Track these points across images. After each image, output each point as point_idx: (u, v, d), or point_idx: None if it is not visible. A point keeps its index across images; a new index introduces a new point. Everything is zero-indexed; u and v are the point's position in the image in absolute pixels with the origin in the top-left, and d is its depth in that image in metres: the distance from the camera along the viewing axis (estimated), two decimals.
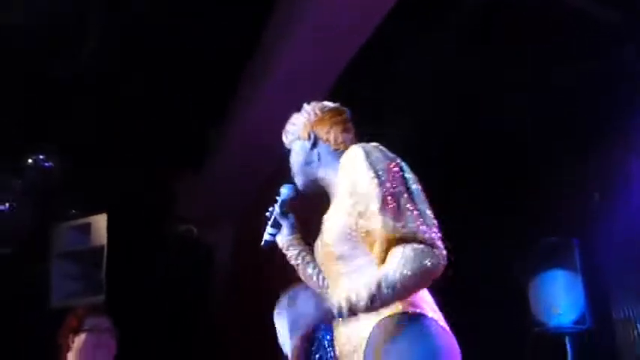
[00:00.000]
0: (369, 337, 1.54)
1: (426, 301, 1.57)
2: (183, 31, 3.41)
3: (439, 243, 1.48)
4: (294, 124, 1.84)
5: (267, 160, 3.54)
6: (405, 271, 1.42)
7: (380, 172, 1.53)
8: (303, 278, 1.91)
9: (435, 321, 1.54)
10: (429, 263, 1.43)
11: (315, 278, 1.87)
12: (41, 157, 4.00)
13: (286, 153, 1.86)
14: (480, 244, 3.41)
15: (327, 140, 1.77)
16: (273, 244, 1.91)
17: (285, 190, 1.90)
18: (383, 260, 1.49)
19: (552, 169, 3.51)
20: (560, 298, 3.31)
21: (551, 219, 3.45)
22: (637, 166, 3.49)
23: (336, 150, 1.76)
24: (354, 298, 1.45)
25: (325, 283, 1.81)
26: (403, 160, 1.62)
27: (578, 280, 3.29)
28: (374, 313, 1.48)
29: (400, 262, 1.44)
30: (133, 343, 3.06)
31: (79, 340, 2.57)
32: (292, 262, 1.92)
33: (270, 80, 3.57)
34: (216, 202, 4.28)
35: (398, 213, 1.49)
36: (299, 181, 1.83)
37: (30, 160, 4.03)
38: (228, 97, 3.93)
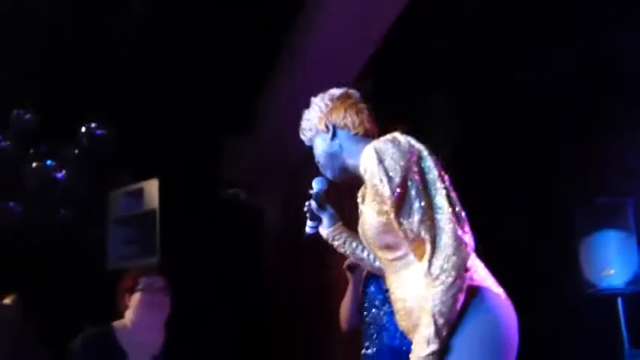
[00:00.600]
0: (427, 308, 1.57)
1: (478, 272, 1.59)
2: None
3: (456, 232, 1.53)
4: (308, 120, 1.83)
5: None
6: (444, 297, 1.50)
7: (391, 174, 1.55)
8: (353, 259, 1.97)
9: (491, 290, 1.58)
10: (454, 272, 1.51)
11: (367, 259, 1.92)
12: (94, 125, 4.12)
13: (309, 150, 1.85)
14: (532, 204, 3.36)
15: (345, 126, 1.77)
16: (315, 236, 1.94)
17: (316, 185, 1.90)
18: (417, 251, 1.60)
19: (609, 128, 3.40)
20: (612, 259, 3.23)
21: (606, 178, 3.35)
22: None
23: (356, 134, 1.77)
24: (424, 351, 1.52)
25: (377, 264, 1.88)
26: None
27: (631, 241, 3.21)
28: (430, 284, 1.52)
29: (436, 285, 1.51)
30: (185, 303, 3.17)
31: (135, 298, 2.66)
32: (340, 250, 1.94)
33: (317, 40, 3.55)
34: (265, 165, 4.32)
35: (411, 210, 1.55)
36: (328, 173, 1.82)
37: (83, 129, 4.15)
38: (276, 59, 3.93)
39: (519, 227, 3.25)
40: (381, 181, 1.56)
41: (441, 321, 1.49)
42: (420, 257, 1.57)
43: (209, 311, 3.96)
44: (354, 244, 1.90)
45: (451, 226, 1.53)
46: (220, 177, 4.44)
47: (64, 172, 4.18)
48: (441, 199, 1.55)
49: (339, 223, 1.92)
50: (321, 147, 1.80)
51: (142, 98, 4.10)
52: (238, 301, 4.19)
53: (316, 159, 1.82)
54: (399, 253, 1.64)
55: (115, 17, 3.56)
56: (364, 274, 2.77)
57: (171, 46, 3.80)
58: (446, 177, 1.61)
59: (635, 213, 3.26)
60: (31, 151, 4.15)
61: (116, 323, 2.69)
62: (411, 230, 1.56)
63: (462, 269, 1.51)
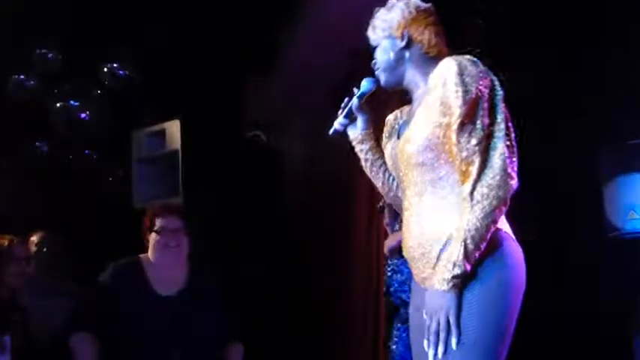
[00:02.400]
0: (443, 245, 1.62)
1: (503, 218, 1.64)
2: None
3: (506, 166, 1.55)
4: (385, 21, 1.78)
5: (339, 63, 3.49)
6: (479, 223, 1.54)
7: (469, 88, 1.56)
8: (369, 175, 1.91)
9: (508, 234, 1.64)
10: (495, 202, 1.54)
11: (383, 178, 1.88)
12: (116, 65, 4.11)
13: (370, 49, 1.82)
14: (558, 142, 3.30)
15: (421, 42, 1.74)
16: (341, 134, 1.88)
17: (366, 84, 1.83)
18: (462, 173, 1.59)
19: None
20: (637, 203, 3.20)
21: (635, 119, 3.27)
22: None
23: (427, 53, 1.75)
24: (449, 273, 1.55)
25: (394, 185, 1.86)
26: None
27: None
28: (468, 208, 1.56)
29: (475, 210, 1.54)
30: (208, 243, 3.22)
31: (152, 239, 2.73)
32: (362, 156, 1.89)
33: None
34: (287, 105, 4.29)
35: (473, 131, 1.56)
36: (384, 77, 1.79)
37: (105, 69, 4.15)
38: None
39: (544, 166, 3.20)
40: (457, 91, 1.57)
41: (471, 247, 1.52)
42: (463, 181, 1.58)
43: (229, 252, 4.03)
44: (377, 157, 1.87)
45: (503, 157, 1.55)
46: (242, 118, 4.43)
47: (87, 112, 4.21)
48: (500, 132, 1.58)
49: (372, 129, 1.88)
50: (388, 52, 1.77)
51: (164, 38, 4.07)
52: (259, 240, 4.25)
53: (376, 59, 1.80)
54: (434, 175, 1.64)
55: None
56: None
57: None
58: (507, 113, 1.63)
59: None
60: (55, 90, 4.17)
61: (143, 256, 2.77)
62: (466, 149, 1.56)
63: (502, 203, 1.54)
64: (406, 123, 1.78)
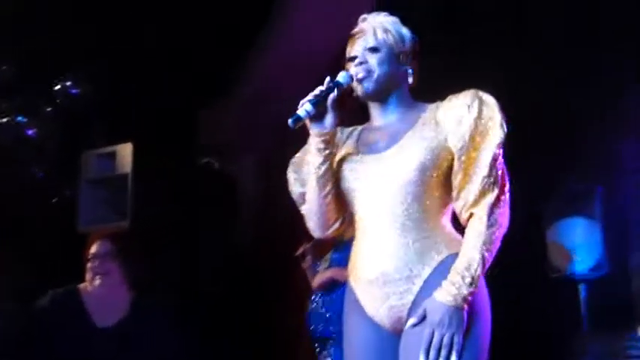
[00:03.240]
0: (427, 281, 1.62)
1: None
2: None
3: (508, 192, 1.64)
4: (398, 33, 1.73)
5: (296, 89, 3.52)
6: (492, 247, 1.60)
7: (505, 127, 1.62)
8: (315, 184, 1.71)
9: None
10: (502, 231, 1.62)
11: (329, 190, 1.71)
12: (69, 83, 4.03)
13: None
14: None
15: (410, 75, 1.75)
16: (301, 124, 1.65)
17: (344, 78, 1.70)
18: (463, 200, 1.63)
19: (581, 116, 3.44)
20: (578, 245, 3.31)
21: (575, 166, 3.41)
22: None
23: (410, 83, 1.75)
24: (472, 286, 1.57)
25: (332, 200, 1.72)
26: None
27: (596, 228, 3.29)
28: (482, 230, 1.59)
29: (490, 233, 1.59)
30: (155, 269, 3.16)
31: (87, 267, 2.68)
32: (318, 160, 1.69)
33: (301, 10, 3.51)
34: (242, 132, 4.29)
35: (494, 165, 1.62)
36: (370, 86, 1.71)
37: (58, 86, 4.06)
38: (259, 23, 3.87)
39: None
40: (502, 126, 1.61)
41: (482, 268, 1.56)
42: (464, 206, 1.62)
43: (179, 277, 3.96)
44: (328, 166, 1.70)
45: (507, 185, 1.64)
46: (196, 144, 4.40)
47: (36, 129, 4.10)
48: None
49: (335, 131, 1.72)
50: (387, 64, 1.71)
51: (121, 59, 4.02)
52: (210, 267, 4.20)
53: (369, 63, 1.70)
54: (421, 205, 1.63)
55: None
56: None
57: (150, 6, 3.72)
58: None
59: (602, 201, 3.33)
60: (4, 105, 4.05)
61: (82, 285, 2.70)
62: (484, 180, 1.59)
63: (505, 228, 1.63)
64: (377, 145, 1.71)
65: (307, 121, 1.67)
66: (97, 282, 2.64)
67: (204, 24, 3.78)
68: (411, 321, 1.60)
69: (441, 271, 1.60)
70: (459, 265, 1.57)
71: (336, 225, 1.79)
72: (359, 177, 1.71)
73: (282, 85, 3.89)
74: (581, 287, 3.34)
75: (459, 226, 1.68)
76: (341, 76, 1.70)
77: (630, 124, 3.41)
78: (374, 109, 1.77)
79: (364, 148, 1.75)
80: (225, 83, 4.26)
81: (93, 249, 2.68)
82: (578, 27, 3.42)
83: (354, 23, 1.78)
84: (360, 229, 1.73)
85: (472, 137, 1.62)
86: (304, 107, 1.65)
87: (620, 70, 3.38)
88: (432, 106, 1.72)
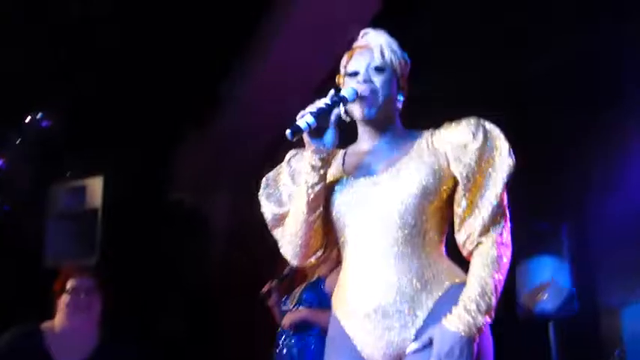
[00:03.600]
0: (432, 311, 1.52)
1: None
2: None
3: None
4: (399, 55, 1.67)
5: (269, 127, 3.55)
6: (502, 277, 1.53)
7: (513, 157, 1.58)
8: (306, 206, 1.59)
9: None
10: (507, 263, 1.56)
11: (318, 215, 1.60)
12: (40, 115, 3.99)
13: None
14: None
15: (403, 97, 1.68)
16: (299, 136, 1.51)
17: (350, 93, 1.59)
18: (472, 228, 1.55)
19: (546, 154, 3.52)
20: (546, 284, 3.35)
21: (543, 203, 3.47)
22: (629, 154, 3.52)
23: (399, 108, 1.68)
24: (487, 316, 1.50)
25: (319, 225, 1.61)
26: None
27: (565, 267, 3.33)
28: (493, 261, 1.52)
29: (500, 263, 1.53)
30: (125, 306, 3.10)
31: (62, 301, 2.60)
32: (314, 179, 1.57)
33: (277, 45, 3.55)
34: (215, 169, 4.29)
35: (503, 197, 1.57)
36: (373, 108, 1.61)
37: (28, 118, 4.02)
38: (232, 60, 3.90)
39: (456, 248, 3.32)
40: (510, 156, 1.57)
41: (495, 299, 1.50)
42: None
43: (148, 316, 3.89)
44: (322, 187, 1.58)
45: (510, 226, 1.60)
46: (167, 179, 4.37)
47: (4, 161, 4.04)
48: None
49: (334, 151, 1.61)
50: (388, 86, 1.63)
51: (94, 92, 4.01)
52: (179, 306, 4.13)
53: (375, 84, 1.62)
54: (420, 233, 1.54)
55: (68, 8, 3.47)
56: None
57: (123, 40, 3.72)
58: None
59: (569, 240, 3.39)
60: None
61: (45, 325, 2.62)
62: (493, 211, 1.54)
63: (510, 259, 1.58)
64: (370, 168, 1.61)
65: (305, 135, 1.53)
66: (76, 317, 2.55)
67: (177, 58, 3.80)
68: (414, 346, 1.48)
69: (445, 302, 1.50)
70: (471, 292, 1.48)
71: (318, 253, 1.68)
72: (351, 201, 1.59)
73: (255, 121, 3.92)
74: (551, 326, 3.36)
75: (455, 257, 1.62)
76: (346, 92, 1.59)
77: (595, 163, 3.49)
78: (365, 132, 1.67)
79: (354, 171, 1.63)
80: (198, 118, 4.26)
81: (73, 283, 2.60)
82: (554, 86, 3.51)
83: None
84: (350, 258, 1.60)
85: (478, 166, 1.55)
86: (305, 119, 1.50)
87: (583, 115, 3.47)
88: (425, 133, 1.65)
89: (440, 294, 1.52)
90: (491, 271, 1.50)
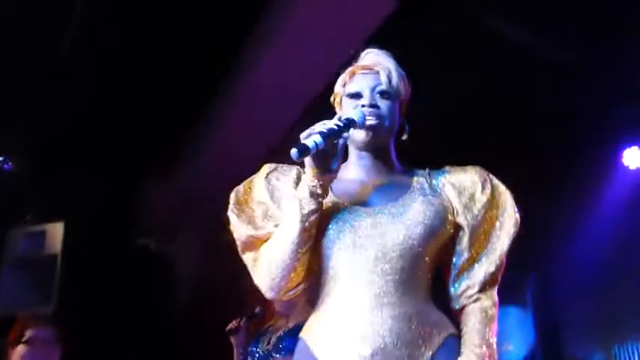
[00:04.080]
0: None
1: None
2: (154, 32, 3.35)
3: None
4: (404, 81, 1.57)
5: (235, 172, 3.52)
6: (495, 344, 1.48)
7: (519, 219, 1.54)
8: (287, 240, 1.42)
9: None
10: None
11: (304, 255, 1.43)
12: (1, 159, 3.91)
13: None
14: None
15: (407, 130, 1.58)
16: (305, 157, 1.35)
17: (360, 114, 1.46)
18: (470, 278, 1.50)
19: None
20: (511, 335, 3.36)
21: (507, 256, 3.51)
22: (593, 207, 3.62)
23: (391, 139, 1.57)
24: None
25: (294, 275, 1.45)
26: None
27: (529, 317, 3.36)
28: (490, 312, 1.48)
29: (494, 317, 1.49)
30: (85, 358, 2.98)
31: (17, 352, 2.49)
32: (310, 207, 1.41)
33: (242, 94, 3.58)
34: (181, 214, 4.23)
35: (504, 253, 1.52)
36: (378, 135, 1.51)
37: None
38: (198, 105, 3.90)
39: None
40: (516, 216, 1.52)
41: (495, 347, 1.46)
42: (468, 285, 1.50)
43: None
44: (317, 217, 1.43)
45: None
46: (132, 224, 4.29)
47: None
48: None
49: (334, 178, 1.45)
50: (393, 113, 1.53)
51: (55, 135, 3.95)
52: (144, 354, 4.00)
53: (378, 108, 1.51)
54: (417, 275, 1.45)
55: (30, 52, 3.45)
56: (245, 336, 2.75)
57: (88, 81, 3.70)
58: None
59: (533, 291, 3.42)
60: None
61: None
62: (497, 265, 1.49)
63: None
64: (367, 199, 1.49)
65: (309, 157, 1.38)
66: None
67: (142, 99, 3.77)
68: None
69: (443, 355, 1.42)
70: (478, 351, 1.42)
71: (299, 288, 1.48)
72: (345, 233, 1.45)
73: (222, 167, 3.90)
74: None
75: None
76: (356, 115, 1.46)
77: (561, 211, 3.56)
78: (359, 159, 1.55)
79: (348, 200, 1.50)
80: (163, 162, 4.23)
81: (30, 333, 2.48)
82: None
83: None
84: (336, 293, 1.45)
85: (484, 219, 1.51)
86: (313, 138, 1.34)
87: (548, 159, 3.56)
88: (421, 171, 1.57)
89: (437, 346, 1.42)
90: (492, 331, 1.46)
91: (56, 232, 3.91)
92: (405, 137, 1.57)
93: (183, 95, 3.74)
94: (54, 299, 3.73)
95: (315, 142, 1.34)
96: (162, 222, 4.26)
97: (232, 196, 1.56)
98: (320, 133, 1.36)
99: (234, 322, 2.87)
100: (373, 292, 1.42)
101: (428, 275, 1.49)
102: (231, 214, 1.54)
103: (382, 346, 1.39)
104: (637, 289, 3.44)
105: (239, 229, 1.52)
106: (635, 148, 3.75)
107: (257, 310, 2.93)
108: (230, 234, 1.54)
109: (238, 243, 1.53)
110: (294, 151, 1.32)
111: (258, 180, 1.55)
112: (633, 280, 3.50)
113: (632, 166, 3.74)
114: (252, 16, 3.29)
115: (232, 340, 2.85)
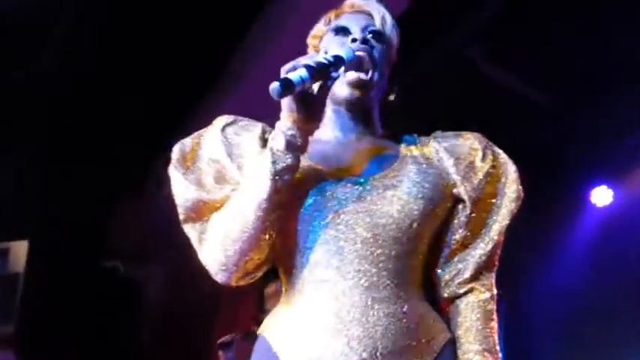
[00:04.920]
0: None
1: None
2: (121, 61, 3.34)
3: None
4: (395, 27, 1.31)
5: None
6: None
7: (522, 190, 1.29)
8: (250, 205, 1.12)
9: None
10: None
11: (270, 228, 1.14)
12: None
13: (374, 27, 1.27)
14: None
15: (396, 89, 1.33)
16: (287, 94, 1.06)
17: (350, 51, 1.17)
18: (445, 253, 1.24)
19: None
20: None
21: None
22: (562, 244, 3.68)
23: (381, 100, 1.31)
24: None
25: (255, 253, 1.16)
26: None
27: (500, 344, 3.36)
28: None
29: (496, 329, 1.24)
30: None
31: None
32: (279, 162, 1.11)
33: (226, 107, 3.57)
34: (151, 237, 4.16)
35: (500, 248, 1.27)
36: (369, 81, 1.22)
37: None
38: (170, 127, 3.86)
39: None
40: (519, 188, 1.28)
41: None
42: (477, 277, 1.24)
43: None
44: (291, 177, 1.13)
45: None
46: (100, 247, 4.20)
47: None
48: None
49: (314, 130, 1.16)
50: (385, 61, 1.26)
51: (22, 153, 3.87)
52: None
53: (370, 46, 1.24)
54: (412, 261, 1.19)
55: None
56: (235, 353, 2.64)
57: (59, 102, 3.64)
58: None
59: (504, 315, 3.43)
60: None
61: None
62: (494, 245, 1.24)
63: None
64: (349, 164, 1.21)
65: (288, 99, 1.09)
66: None
67: (114, 121, 3.72)
68: None
69: None
70: None
71: (258, 272, 1.20)
72: (325, 205, 1.16)
73: None
74: None
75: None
76: (344, 51, 1.16)
77: (531, 246, 3.59)
78: (338, 116, 1.26)
79: (326, 165, 1.21)
80: (133, 185, 4.17)
81: None
82: None
83: None
84: (313, 283, 1.16)
85: (484, 191, 1.25)
86: (299, 72, 1.05)
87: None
88: (409, 137, 1.31)
89: (437, 351, 1.17)
90: (494, 332, 1.22)
91: (20, 250, 3.82)
92: (392, 98, 1.31)
93: (153, 122, 3.71)
94: (15, 319, 3.62)
95: (300, 76, 1.04)
96: (130, 245, 4.18)
97: (176, 150, 1.24)
98: (306, 66, 1.06)
99: (227, 336, 2.70)
100: (362, 283, 1.14)
101: (424, 262, 1.22)
102: (174, 172, 1.22)
103: (374, 352, 1.11)
104: (604, 324, 3.47)
105: (184, 192, 1.21)
106: (603, 187, 3.79)
107: (227, 338, 2.79)
108: (198, 262, 1.22)
109: (181, 210, 1.22)
110: (274, 86, 1.02)
111: (212, 133, 1.24)
112: (601, 314, 3.53)
113: (600, 204, 3.79)
114: (246, 25, 3.24)
115: (221, 355, 2.70)
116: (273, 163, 1.10)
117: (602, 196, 3.81)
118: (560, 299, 3.33)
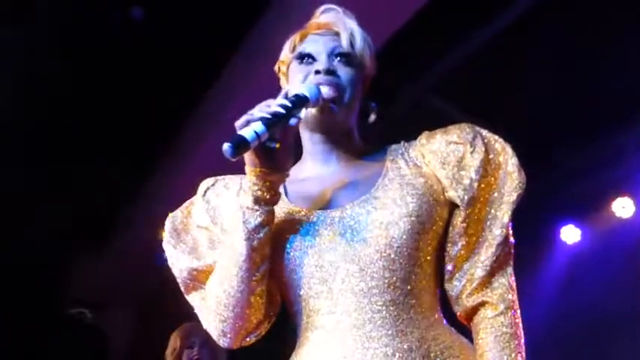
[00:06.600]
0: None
1: None
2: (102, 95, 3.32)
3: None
4: (368, 44, 1.21)
5: None
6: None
7: (524, 176, 1.16)
8: (232, 266, 1.09)
9: None
10: (522, 331, 1.16)
11: (258, 284, 1.10)
12: None
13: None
14: None
15: (375, 108, 1.23)
16: (243, 153, 1.01)
17: (314, 89, 1.10)
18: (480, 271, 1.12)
19: None
20: None
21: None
22: (532, 281, 3.71)
23: (354, 114, 1.21)
24: None
25: (252, 312, 1.12)
26: None
27: None
28: (510, 323, 1.11)
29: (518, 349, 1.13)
30: None
31: None
32: (250, 220, 1.07)
33: (185, 167, 3.56)
34: (117, 284, 4.09)
35: (511, 240, 1.15)
36: (339, 112, 1.15)
37: None
38: (139, 176, 3.84)
39: None
40: (521, 175, 1.14)
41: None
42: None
43: None
44: (269, 232, 1.08)
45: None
46: (65, 293, 4.11)
47: None
48: None
49: (286, 176, 1.10)
50: (356, 84, 1.18)
51: None
52: None
53: (336, 76, 1.16)
54: (414, 285, 1.09)
55: None
56: None
57: (26, 148, 3.59)
58: None
59: None
60: None
61: None
62: (498, 244, 1.12)
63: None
64: (331, 197, 1.15)
65: (248, 154, 1.04)
66: None
67: (83, 169, 3.67)
68: None
69: None
70: None
71: (262, 328, 1.16)
72: (312, 247, 1.10)
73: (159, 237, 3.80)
74: None
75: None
76: (307, 89, 1.10)
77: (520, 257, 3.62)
78: (316, 149, 1.20)
79: (304, 204, 1.15)
80: (98, 235, 4.09)
81: None
82: None
83: None
84: (313, 330, 1.11)
85: (479, 188, 1.13)
86: (253, 127, 1.00)
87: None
88: (395, 147, 1.21)
89: None
90: (515, 353, 1.10)
91: None
92: (372, 119, 1.22)
93: (125, 163, 3.68)
94: None
95: (255, 131, 0.99)
96: (93, 292, 4.10)
97: (167, 223, 1.22)
98: (261, 119, 1.01)
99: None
100: (356, 323, 1.06)
101: (434, 282, 1.12)
102: (167, 246, 1.21)
103: None
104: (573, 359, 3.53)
105: (178, 263, 1.19)
106: (571, 225, 3.89)
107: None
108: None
109: (179, 282, 1.20)
110: (226, 147, 0.97)
111: (196, 200, 1.23)
112: (569, 353, 3.59)
113: (570, 242, 3.90)
114: (242, 31, 3.22)
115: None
116: (244, 222, 1.07)
117: (571, 234, 3.91)
118: (530, 335, 3.33)
